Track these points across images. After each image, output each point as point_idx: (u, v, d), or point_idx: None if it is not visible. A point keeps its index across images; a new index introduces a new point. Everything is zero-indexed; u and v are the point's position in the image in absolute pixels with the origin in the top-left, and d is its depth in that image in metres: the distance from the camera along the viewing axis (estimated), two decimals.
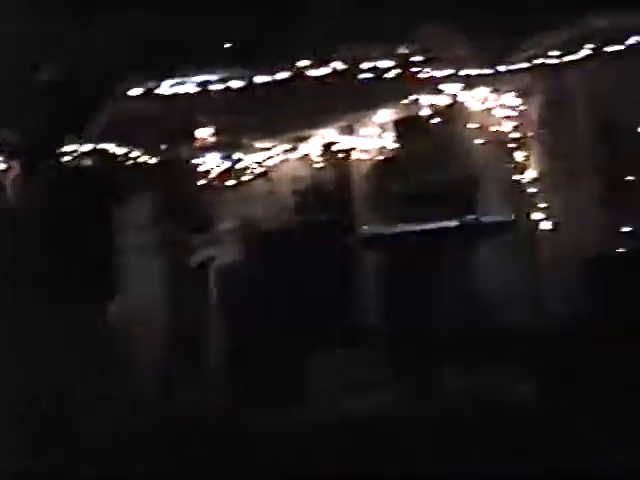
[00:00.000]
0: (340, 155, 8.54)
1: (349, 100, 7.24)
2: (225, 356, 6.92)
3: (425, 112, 7.43)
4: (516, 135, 7.15)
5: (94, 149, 7.09)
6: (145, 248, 7.75)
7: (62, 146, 7.01)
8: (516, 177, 7.13)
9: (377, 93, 7.04)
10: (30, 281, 6.57)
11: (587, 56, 6.35)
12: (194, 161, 8.20)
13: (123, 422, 5.69)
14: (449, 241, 6.79)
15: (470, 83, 6.95)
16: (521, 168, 7.11)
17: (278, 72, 6.39)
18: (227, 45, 6.66)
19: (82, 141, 7.00)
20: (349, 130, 8.40)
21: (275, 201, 8.52)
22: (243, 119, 7.15)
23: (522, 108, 7.13)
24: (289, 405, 5.96)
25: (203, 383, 6.53)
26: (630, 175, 6.85)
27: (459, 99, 7.28)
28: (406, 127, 7.13)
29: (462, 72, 6.69)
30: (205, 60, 6.60)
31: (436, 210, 6.48)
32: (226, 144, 7.82)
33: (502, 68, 6.61)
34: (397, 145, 7.57)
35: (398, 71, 6.49)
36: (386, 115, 7.86)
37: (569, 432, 4.80)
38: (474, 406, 5.51)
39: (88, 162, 7.13)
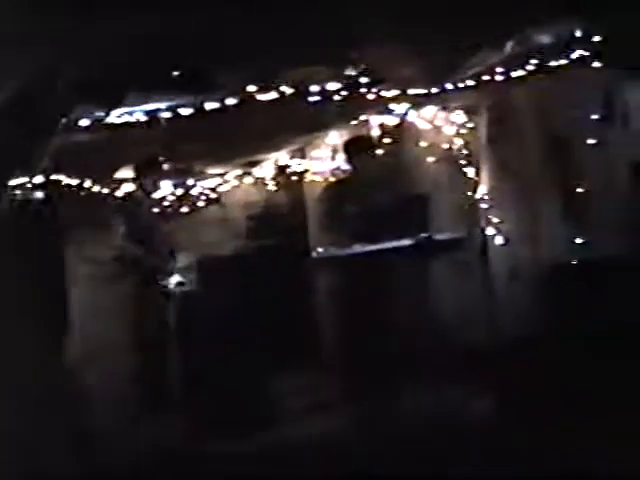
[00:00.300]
0: (293, 178, 8.72)
1: (300, 123, 7.23)
2: (187, 383, 6.92)
3: (375, 132, 7.47)
4: (466, 152, 7.21)
5: (46, 181, 7.04)
6: (102, 279, 7.81)
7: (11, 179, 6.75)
8: (468, 193, 7.20)
9: (327, 115, 7.01)
10: None
11: (532, 71, 6.39)
12: (147, 188, 8.22)
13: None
14: (404, 260, 6.64)
15: (418, 102, 6.98)
16: (473, 184, 7.18)
17: (227, 98, 6.32)
18: (175, 72, 6.53)
19: (33, 173, 6.90)
20: (301, 153, 8.57)
21: (229, 227, 8.55)
22: (195, 145, 7.11)
23: (471, 125, 7.20)
24: (252, 429, 5.96)
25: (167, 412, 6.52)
26: (580, 187, 6.89)
27: (408, 118, 7.31)
28: (357, 148, 6.97)
29: (410, 91, 6.70)
30: (153, 88, 6.54)
31: (390, 230, 6.41)
32: (179, 171, 7.82)
33: (449, 86, 6.64)
34: (349, 166, 7.35)
35: (346, 93, 6.48)
36: (337, 137, 7.94)
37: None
38: (432, 424, 5.54)
39: (40, 194, 7.15)
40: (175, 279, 6.68)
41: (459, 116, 7.25)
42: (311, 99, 6.39)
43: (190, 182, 8.62)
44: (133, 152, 7.12)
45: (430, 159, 7.39)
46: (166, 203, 8.50)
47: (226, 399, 6.48)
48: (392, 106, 7.04)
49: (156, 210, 7.35)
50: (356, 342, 6.51)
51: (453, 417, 5.66)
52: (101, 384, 6.77)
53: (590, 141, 6.88)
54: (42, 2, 5.11)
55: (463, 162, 7.25)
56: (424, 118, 7.34)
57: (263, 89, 6.27)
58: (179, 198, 8.61)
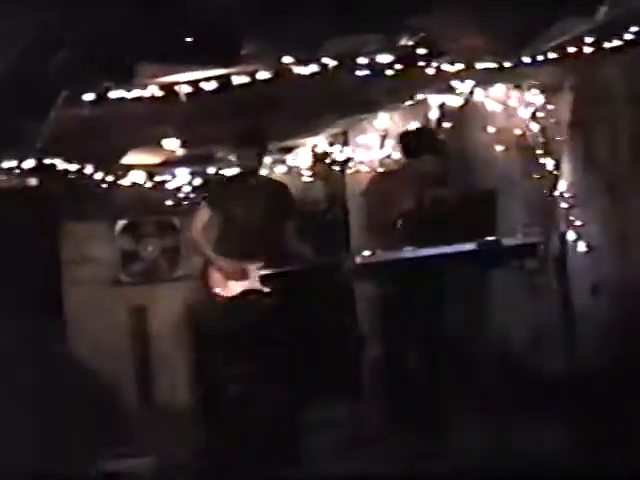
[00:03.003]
0: (334, 168, 8.76)
1: (343, 102, 7.21)
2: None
3: (434, 114, 7.41)
4: (544, 139, 7.01)
5: (39, 165, 6.86)
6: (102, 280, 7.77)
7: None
8: (545, 190, 7.00)
9: (376, 93, 7.00)
10: None
11: (630, 42, 6.10)
12: (160, 177, 8.11)
13: None
14: (465, 268, 6.59)
15: (487, 78, 6.83)
16: (551, 179, 6.97)
17: (258, 71, 6.17)
18: (198, 40, 6.43)
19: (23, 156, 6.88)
20: (343, 138, 8.62)
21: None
22: (217, 127, 7.08)
23: (551, 107, 6.97)
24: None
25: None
26: None
27: (474, 98, 7.21)
28: (412, 134, 6.92)
29: (477, 65, 6.48)
30: (171, 57, 6.39)
31: (449, 232, 6.25)
32: (197, 157, 7.74)
33: (525, 59, 6.38)
34: (401, 156, 7.27)
35: (400, 66, 6.30)
36: (387, 120, 7.95)
37: None
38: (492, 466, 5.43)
39: (32, 180, 7.01)
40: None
41: (536, 96, 7.02)
42: (358, 73, 6.27)
43: (210, 170, 8.61)
44: (144, 133, 7.08)
45: (500, 148, 7.23)
46: (181, 195, 8.59)
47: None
48: (455, 83, 6.92)
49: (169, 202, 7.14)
50: (404, 365, 6.52)
51: (518, 457, 5.50)
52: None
53: None
54: None
55: (540, 151, 6.99)
56: (493, 98, 7.21)
57: (301, 61, 6.18)
58: (196, 189, 8.64)
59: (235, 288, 6.49)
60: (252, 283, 6.49)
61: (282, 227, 6.62)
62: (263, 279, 6.46)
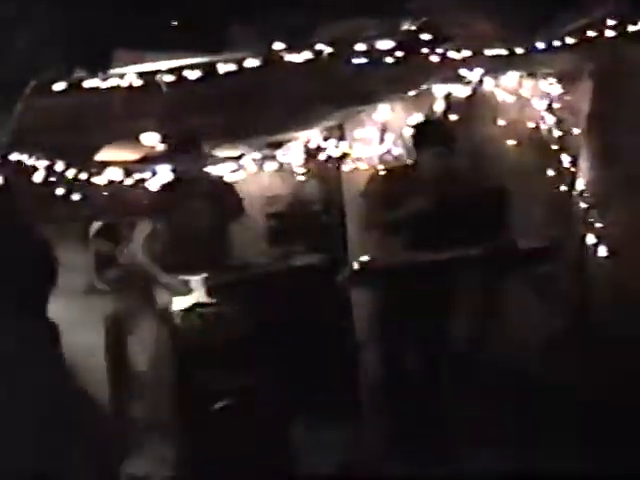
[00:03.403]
0: (329, 165, 8.58)
1: (339, 93, 6.97)
2: None
3: (439, 106, 7.35)
4: (560, 132, 7.01)
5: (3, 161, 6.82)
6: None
7: None
8: (562, 188, 6.99)
9: (375, 83, 6.85)
10: None
11: None
12: (138, 175, 8.06)
13: None
14: (475, 275, 6.72)
15: (497, 67, 6.78)
16: (569, 176, 6.97)
17: (247, 58, 6.11)
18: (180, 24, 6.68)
19: None
20: (340, 132, 8.45)
21: (245, 227, 8.35)
22: (201, 120, 6.96)
23: (568, 97, 6.96)
24: None
25: None
26: None
27: (483, 88, 7.17)
28: (415, 127, 6.96)
29: (486, 52, 6.45)
30: (151, 43, 6.46)
31: (457, 234, 6.31)
32: (180, 152, 7.51)
33: (540, 45, 6.36)
34: (402, 151, 7.46)
35: (401, 53, 6.26)
36: (388, 111, 7.84)
37: None
38: None
39: None
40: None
41: (552, 85, 6.99)
42: (355, 61, 6.23)
43: (194, 167, 8.20)
44: (121, 126, 6.88)
45: (511, 142, 7.20)
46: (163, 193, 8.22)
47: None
48: (462, 72, 6.84)
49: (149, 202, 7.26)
50: (409, 384, 6.58)
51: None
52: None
53: None
54: None
55: (556, 146, 7.00)
56: (505, 88, 7.18)
57: (293, 48, 6.14)
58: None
59: (180, 304, 6.56)
60: (199, 296, 6.55)
61: (230, 232, 6.64)
62: (212, 290, 6.53)
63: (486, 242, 6.31)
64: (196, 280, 6.56)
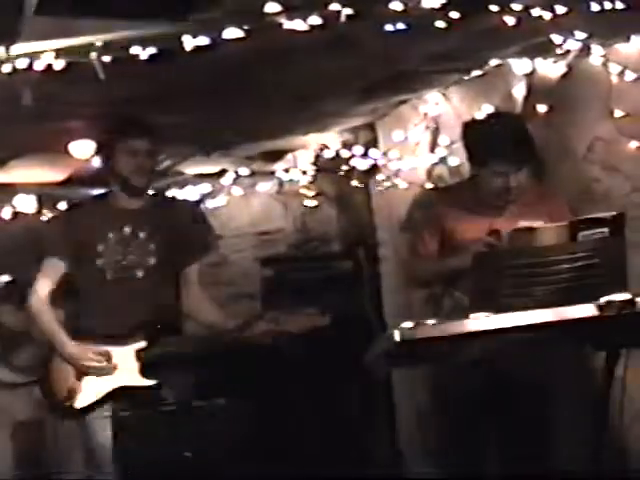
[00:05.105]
0: (352, 184, 8.83)
1: (365, 77, 7.15)
2: None
3: (519, 92, 7.29)
4: None
5: None
6: None
7: None
8: None
9: (420, 60, 6.87)
10: None
11: None
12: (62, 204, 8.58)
13: None
14: (573, 345, 6.24)
15: (608, 30, 6.57)
16: None
17: (227, 26, 5.94)
18: None
19: None
20: (369, 133, 8.65)
21: (226, 277, 8.81)
22: (158, 120, 6.77)
23: None
24: None
25: None
26: None
27: (586, 63, 6.91)
28: (482, 124, 6.57)
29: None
30: (81, 6, 6.04)
31: (546, 288, 5.77)
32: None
33: None
34: (463, 161, 7.09)
35: (458, 15, 5.97)
36: (440, 102, 7.89)
37: None
38: None
39: None
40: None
41: None
42: (387, 28, 6.04)
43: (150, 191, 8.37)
44: (37, 131, 7.12)
45: (635, 145, 6.83)
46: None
47: None
48: (554, 38, 6.61)
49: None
50: None
51: None
52: None
53: None
54: None
55: None
56: (622, 61, 6.82)
57: (295, 10, 5.91)
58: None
59: (100, 386, 6.31)
60: (129, 376, 6.28)
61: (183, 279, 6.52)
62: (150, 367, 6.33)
63: (593, 298, 5.59)
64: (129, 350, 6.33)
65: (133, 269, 6.37)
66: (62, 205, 8.49)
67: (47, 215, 8.71)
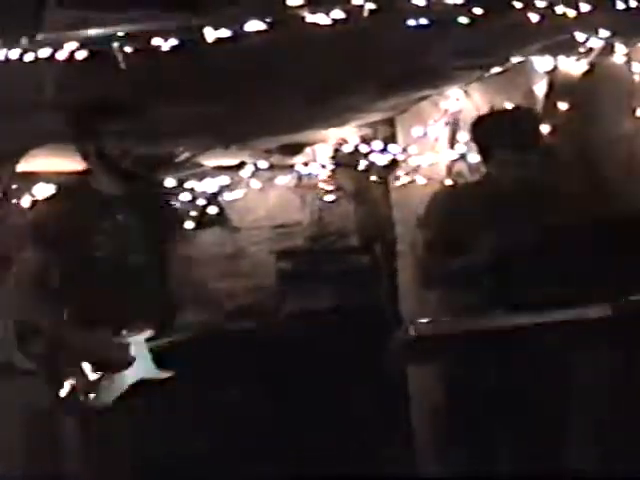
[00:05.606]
0: (371, 179, 8.89)
1: (385, 71, 7.07)
2: None
3: (540, 89, 7.23)
4: None
5: None
6: None
7: None
8: None
9: (442, 56, 6.83)
10: None
11: None
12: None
13: None
14: (592, 346, 6.31)
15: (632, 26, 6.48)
16: None
17: (248, 19, 6.00)
18: None
19: None
20: (387, 130, 8.69)
21: (242, 272, 8.75)
22: (179, 111, 7.03)
23: None
24: None
25: None
26: None
27: (610, 60, 6.88)
28: (502, 121, 6.63)
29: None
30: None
31: (567, 287, 5.99)
32: (145, 161, 7.37)
33: None
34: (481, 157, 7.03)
35: (481, 11, 6.04)
36: (461, 98, 7.87)
37: None
38: None
39: None
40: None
41: None
42: (411, 22, 6.08)
43: (170, 181, 8.63)
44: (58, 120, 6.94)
45: None
46: None
47: None
48: (578, 35, 6.58)
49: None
50: None
51: None
52: None
53: None
54: None
55: None
56: None
57: (316, 3, 6.00)
58: None
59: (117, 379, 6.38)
60: (144, 367, 6.28)
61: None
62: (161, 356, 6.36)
63: (604, 298, 5.99)
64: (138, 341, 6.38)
65: (132, 255, 6.43)
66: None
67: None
